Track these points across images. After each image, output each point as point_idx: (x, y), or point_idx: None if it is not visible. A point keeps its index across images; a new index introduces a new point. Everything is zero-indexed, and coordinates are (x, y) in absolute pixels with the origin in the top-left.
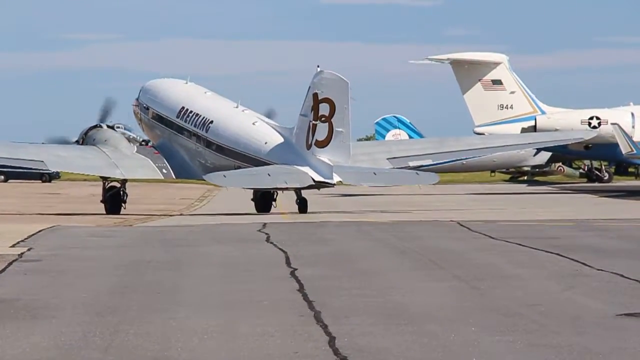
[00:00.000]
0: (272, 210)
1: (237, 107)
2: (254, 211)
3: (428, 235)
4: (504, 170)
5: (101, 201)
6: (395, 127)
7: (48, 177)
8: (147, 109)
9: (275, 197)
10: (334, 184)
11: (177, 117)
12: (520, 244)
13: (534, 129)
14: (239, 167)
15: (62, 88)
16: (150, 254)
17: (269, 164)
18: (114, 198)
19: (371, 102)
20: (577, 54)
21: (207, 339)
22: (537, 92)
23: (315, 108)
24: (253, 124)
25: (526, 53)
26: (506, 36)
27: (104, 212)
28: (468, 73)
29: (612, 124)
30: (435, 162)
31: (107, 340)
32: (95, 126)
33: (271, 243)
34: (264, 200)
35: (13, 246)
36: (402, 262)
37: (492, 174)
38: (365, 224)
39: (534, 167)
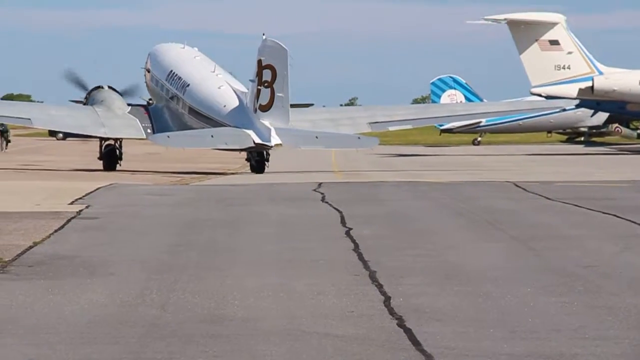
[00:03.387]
0: (266, 170)
1: (213, 71)
2: (309, 169)
3: (484, 195)
4: (560, 131)
5: (98, 158)
6: (451, 88)
7: None
8: (149, 72)
9: (267, 158)
10: (272, 147)
11: (166, 80)
12: (576, 205)
13: (591, 89)
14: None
15: (117, 46)
16: (206, 213)
17: (226, 126)
18: (109, 155)
19: (427, 62)
20: (635, 14)
21: (263, 298)
22: (594, 52)
23: (259, 74)
24: (219, 87)
25: (584, 13)
26: None
27: (141, 171)
28: (525, 33)
29: None
30: (486, 124)
31: (164, 297)
32: (98, 87)
33: (326, 202)
34: (257, 161)
35: (72, 203)
36: (457, 222)
37: (549, 134)
38: (421, 184)
39: (591, 127)
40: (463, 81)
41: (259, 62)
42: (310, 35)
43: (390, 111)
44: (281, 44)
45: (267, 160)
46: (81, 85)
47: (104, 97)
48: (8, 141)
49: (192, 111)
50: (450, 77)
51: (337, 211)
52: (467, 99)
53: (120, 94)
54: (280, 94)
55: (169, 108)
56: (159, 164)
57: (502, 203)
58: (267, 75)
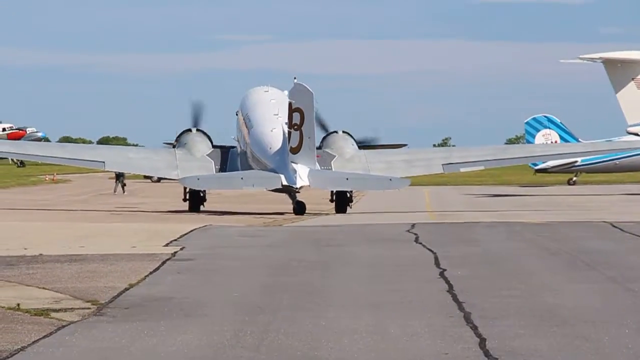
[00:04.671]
0: (348, 210)
1: (276, 113)
2: (403, 210)
3: (580, 236)
4: None
5: (183, 200)
6: (546, 127)
7: None
8: (237, 114)
9: (351, 198)
10: (297, 189)
11: (243, 122)
12: None
13: None
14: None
15: (213, 89)
16: (299, 254)
17: (270, 167)
18: (193, 197)
19: (521, 101)
20: None
21: (357, 339)
22: None
23: (289, 117)
24: (271, 130)
25: None
26: None
27: (241, 214)
28: (621, 72)
29: None
30: (582, 163)
31: (258, 339)
32: (187, 130)
33: (420, 243)
34: (339, 201)
35: (166, 245)
36: (553, 263)
37: None
38: (516, 224)
39: None
40: (558, 120)
41: (290, 105)
42: (404, 75)
43: (468, 152)
44: (307, 87)
45: (351, 201)
46: (197, 121)
47: (187, 140)
48: (124, 184)
49: (252, 153)
50: (545, 116)
51: (431, 252)
52: (562, 138)
53: (209, 136)
54: (309, 137)
55: (242, 150)
56: (251, 205)
57: (599, 243)
58: (296, 118)
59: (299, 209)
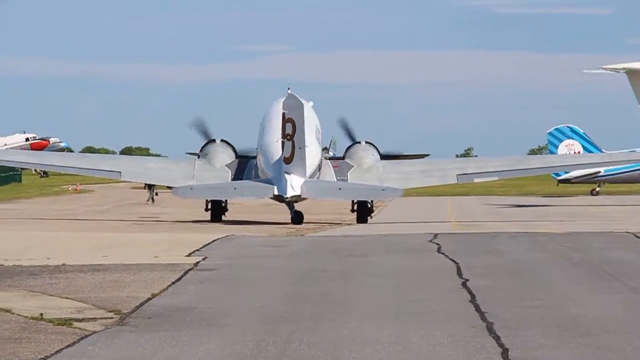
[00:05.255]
0: (370, 221)
1: None
2: (425, 220)
3: (603, 246)
4: None
5: (205, 210)
6: (569, 138)
7: None
8: (260, 125)
9: (371, 208)
10: (287, 198)
11: (261, 134)
12: None
13: None
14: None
15: (233, 99)
16: (321, 264)
17: (268, 177)
18: (214, 207)
19: (544, 112)
20: None
21: (379, 349)
22: None
23: (283, 127)
24: (276, 141)
25: None
26: None
27: (252, 222)
28: None
29: None
30: (605, 174)
31: (280, 349)
32: (211, 140)
33: (442, 254)
34: (360, 211)
35: (189, 255)
36: (575, 273)
37: None
38: (539, 234)
39: None
40: (581, 131)
41: (283, 115)
42: (427, 85)
43: (484, 163)
44: (299, 98)
45: (372, 211)
46: (206, 135)
47: (209, 150)
48: (155, 194)
49: (260, 163)
50: (568, 126)
51: (454, 262)
52: (585, 149)
53: (233, 147)
54: (300, 147)
55: (257, 161)
56: (275, 215)
57: (621, 254)
58: (288, 128)
59: (297, 218)
